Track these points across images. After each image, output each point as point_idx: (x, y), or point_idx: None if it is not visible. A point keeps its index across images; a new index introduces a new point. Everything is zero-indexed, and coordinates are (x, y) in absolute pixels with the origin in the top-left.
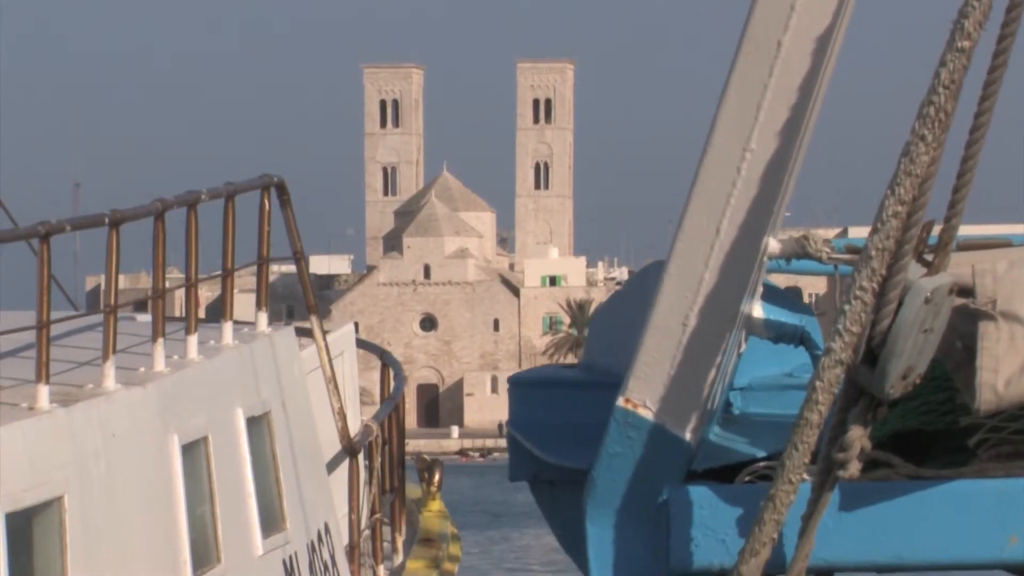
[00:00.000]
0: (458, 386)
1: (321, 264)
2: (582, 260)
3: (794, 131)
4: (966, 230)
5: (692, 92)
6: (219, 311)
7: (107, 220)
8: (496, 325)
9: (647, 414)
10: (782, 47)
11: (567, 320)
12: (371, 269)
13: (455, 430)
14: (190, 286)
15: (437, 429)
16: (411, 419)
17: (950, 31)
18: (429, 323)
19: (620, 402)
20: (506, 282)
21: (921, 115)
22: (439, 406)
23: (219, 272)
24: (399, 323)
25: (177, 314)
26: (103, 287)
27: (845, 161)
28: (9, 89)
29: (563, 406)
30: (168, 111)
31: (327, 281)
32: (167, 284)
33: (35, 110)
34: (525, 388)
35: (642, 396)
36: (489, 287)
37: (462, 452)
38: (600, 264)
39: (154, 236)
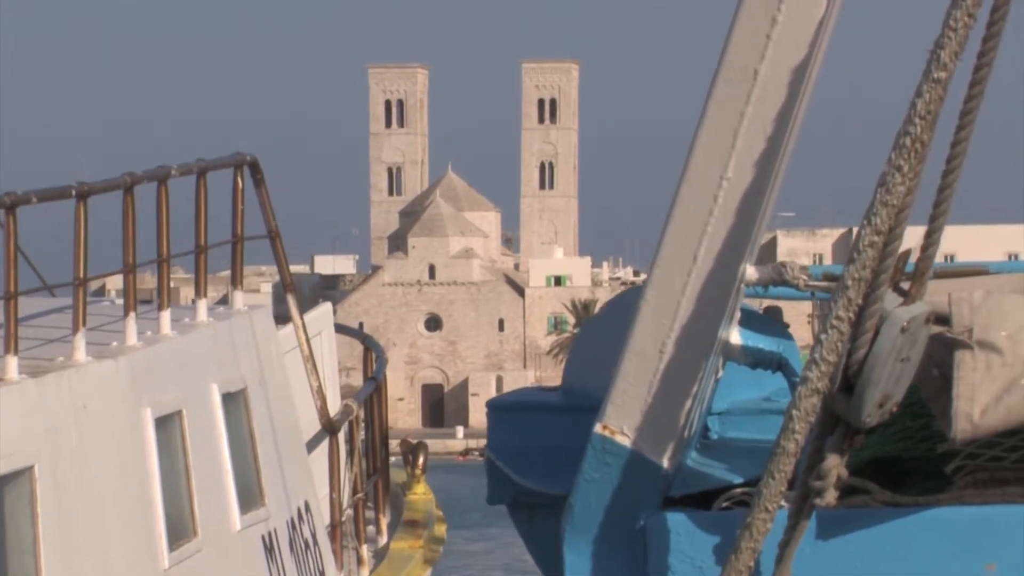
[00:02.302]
0: (463, 386)
1: (326, 264)
2: (587, 260)
3: (771, 160)
4: (962, 229)
5: (697, 92)
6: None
7: (74, 192)
8: (501, 325)
9: (624, 441)
10: (759, 76)
11: (572, 320)
12: (376, 269)
13: (460, 430)
14: (161, 262)
15: (442, 429)
16: (416, 419)
17: (927, 61)
18: (434, 323)
19: (597, 428)
20: (511, 282)
21: (897, 145)
22: (444, 406)
23: (192, 250)
24: (404, 323)
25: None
26: (74, 262)
27: (849, 161)
28: (11, 91)
29: (542, 430)
30: (171, 111)
31: (332, 281)
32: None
33: (38, 113)
34: (503, 412)
35: (619, 422)
36: (494, 287)
37: (466, 452)
38: (605, 264)
39: (123, 210)
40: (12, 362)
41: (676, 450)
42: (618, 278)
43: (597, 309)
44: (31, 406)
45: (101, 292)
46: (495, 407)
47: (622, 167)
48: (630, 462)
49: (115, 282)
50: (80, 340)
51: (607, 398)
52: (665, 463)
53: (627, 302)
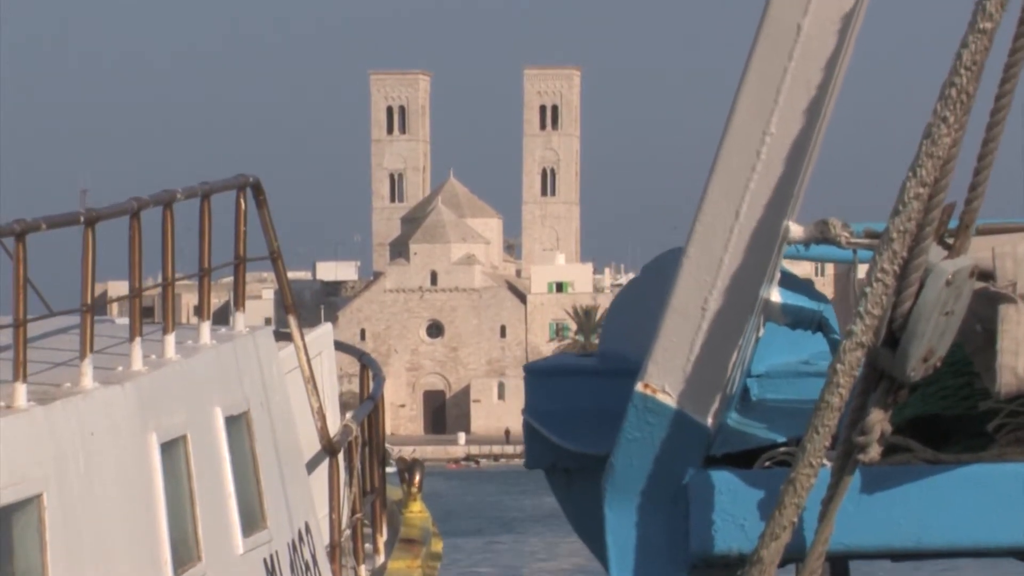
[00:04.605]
0: (465, 392)
1: (328, 271)
2: (588, 266)
3: (814, 115)
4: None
5: (699, 98)
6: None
7: (82, 219)
8: (503, 331)
9: (666, 399)
10: (802, 31)
11: (574, 326)
12: (378, 276)
13: (462, 436)
14: (167, 285)
15: (444, 435)
16: (417, 425)
17: (972, 12)
18: (436, 329)
19: (639, 387)
20: (513, 288)
21: (943, 96)
22: (446, 412)
23: (195, 272)
24: (406, 329)
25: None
26: (82, 288)
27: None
28: (14, 93)
29: (580, 394)
30: (172, 117)
31: (334, 288)
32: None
33: (39, 115)
34: (542, 376)
35: (661, 381)
36: (496, 293)
37: (468, 459)
38: (607, 270)
39: (130, 235)
40: (21, 389)
41: (718, 408)
42: (619, 284)
43: (599, 316)
44: (39, 433)
45: (103, 301)
46: (533, 372)
47: (624, 173)
48: (672, 420)
49: (118, 284)
50: (87, 366)
51: (648, 356)
52: (707, 421)
53: (662, 267)
